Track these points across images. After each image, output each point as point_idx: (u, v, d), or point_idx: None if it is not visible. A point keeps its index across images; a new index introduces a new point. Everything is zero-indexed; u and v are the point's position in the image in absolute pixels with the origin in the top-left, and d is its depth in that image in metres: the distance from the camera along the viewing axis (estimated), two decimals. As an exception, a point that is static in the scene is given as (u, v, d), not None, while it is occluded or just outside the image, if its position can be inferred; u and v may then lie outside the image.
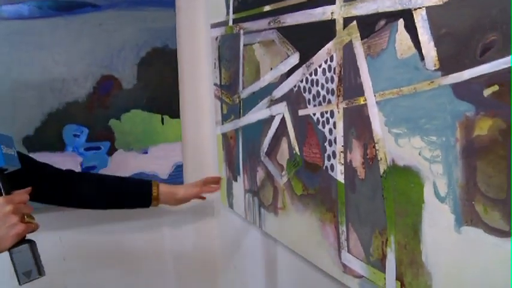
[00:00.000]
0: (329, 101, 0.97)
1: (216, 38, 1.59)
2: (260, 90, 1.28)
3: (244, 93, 1.40)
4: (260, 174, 1.33)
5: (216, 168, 1.71)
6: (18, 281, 0.94)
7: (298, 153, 1.11)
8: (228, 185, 1.61)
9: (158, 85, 1.80)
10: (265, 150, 1.28)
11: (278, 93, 1.19)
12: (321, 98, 1.00)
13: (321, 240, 1.04)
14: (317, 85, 1.01)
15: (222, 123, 1.61)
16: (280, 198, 1.23)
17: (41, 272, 0.95)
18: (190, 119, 1.85)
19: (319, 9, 0.97)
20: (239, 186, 1.50)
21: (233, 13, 1.43)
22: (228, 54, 1.50)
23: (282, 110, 1.17)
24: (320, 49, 0.99)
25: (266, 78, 1.24)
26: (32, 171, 1.20)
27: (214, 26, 1.60)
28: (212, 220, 1.87)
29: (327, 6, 0.95)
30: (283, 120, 1.17)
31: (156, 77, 1.80)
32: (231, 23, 1.45)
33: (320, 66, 0.99)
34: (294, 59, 1.09)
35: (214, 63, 1.62)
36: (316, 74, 1.01)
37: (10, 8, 1.61)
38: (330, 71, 0.96)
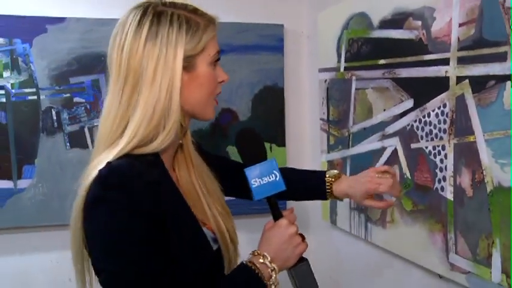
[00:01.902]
0: (441, 138, 1.28)
1: (325, 81, 1.92)
2: (372, 127, 1.60)
3: (354, 128, 1.71)
4: (369, 194, 1.63)
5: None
6: None
7: (409, 177, 1.41)
8: (332, 204, 1.91)
9: (268, 118, 2.16)
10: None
11: (390, 129, 1.50)
12: (433, 135, 1.31)
13: (429, 246, 1.33)
14: (430, 125, 1.32)
15: (328, 152, 1.93)
16: (388, 214, 1.52)
17: (317, 286, 1.02)
18: (293, 147, 2.19)
19: (434, 68, 1.29)
20: (345, 205, 1.80)
21: (345, 62, 1.76)
22: (337, 95, 1.83)
23: (394, 143, 1.48)
24: (433, 98, 1.29)
25: (379, 117, 1.56)
26: (232, 170, 1.23)
27: (323, 70, 1.94)
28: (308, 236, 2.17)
29: (441, 66, 1.26)
30: (395, 151, 1.48)
31: (266, 111, 2.16)
32: (342, 69, 1.79)
33: (433, 111, 1.30)
34: (409, 103, 1.40)
35: (322, 102, 1.95)
36: (429, 117, 1.32)
37: None
38: (442, 115, 1.27)
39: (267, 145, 2.16)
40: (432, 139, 1.31)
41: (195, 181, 1.09)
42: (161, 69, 0.92)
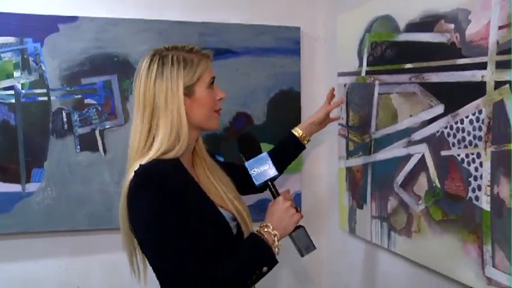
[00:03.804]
0: (475, 145, 1.22)
1: (345, 85, 1.87)
2: (396, 133, 1.55)
3: (377, 134, 1.66)
4: (392, 202, 1.58)
5: (335, 197, 1.97)
6: (301, 255, 1.32)
7: (439, 186, 1.36)
8: (350, 213, 1.86)
9: (283, 122, 2.09)
10: (400, 182, 1.53)
11: (417, 136, 1.44)
12: (466, 142, 1.25)
13: (462, 258, 1.27)
14: (463, 132, 1.26)
15: (347, 158, 1.87)
16: (415, 223, 1.47)
17: (314, 246, 1.32)
18: (309, 153, 2.13)
19: (468, 72, 1.23)
20: (365, 213, 1.75)
21: (367, 65, 1.71)
22: (358, 99, 1.78)
23: (421, 150, 1.42)
24: (467, 103, 1.24)
25: (404, 123, 1.50)
26: (239, 171, 1.45)
27: (342, 74, 1.89)
28: (325, 245, 2.12)
29: (477, 71, 1.21)
30: (422, 158, 1.42)
31: (282, 115, 2.10)
32: (363, 73, 1.73)
33: (467, 117, 1.25)
34: (439, 109, 1.35)
35: (341, 106, 1.90)
36: (462, 123, 1.27)
37: None
38: (477, 121, 1.21)
39: (281, 150, 2.10)
40: (465, 146, 1.26)
41: (210, 176, 1.40)
42: (170, 99, 1.25)
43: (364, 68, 1.73)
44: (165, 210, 1.16)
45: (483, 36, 1.19)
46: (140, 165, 1.21)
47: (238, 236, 1.32)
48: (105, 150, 1.88)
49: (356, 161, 1.81)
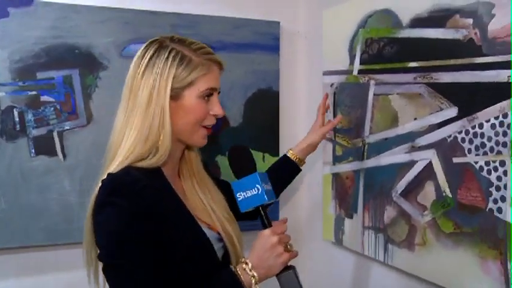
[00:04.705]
0: (498, 152, 1.12)
1: (331, 85, 1.74)
2: (396, 137, 1.43)
3: (372, 138, 1.54)
4: (390, 212, 1.46)
5: (317, 205, 1.84)
6: None
7: (450, 196, 1.25)
8: (337, 222, 1.72)
9: (261, 124, 1.95)
10: (400, 191, 1.41)
11: (423, 141, 1.33)
12: (486, 149, 1.14)
13: (480, 276, 1.16)
14: (481, 137, 1.15)
15: (334, 164, 1.74)
16: (419, 235, 1.35)
17: None
18: (288, 157, 1.98)
19: (490, 72, 1.13)
20: (355, 223, 1.62)
21: (360, 64, 1.58)
22: (349, 100, 1.65)
23: (428, 156, 1.31)
24: (488, 106, 1.13)
25: (406, 127, 1.39)
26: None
27: (329, 73, 1.75)
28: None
29: (501, 70, 1.10)
30: (429, 165, 1.31)
31: (259, 117, 1.94)
32: (355, 72, 1.61)
33: (487, 121, 1.14)
34: (451, 112, 1.24)
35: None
36: (481, 128, 1.16)
37: (136, 46, 1.71)
38: (501, 126, 1.11)
39: (259, 154, 1.95)
40: (485, 153, 1.15)
41: (198, 190, 1.22)
42: (155, 97, 1.07)
43: (357, 66, 1.60)
44: (131, 231, 0.99)
45: (509, 33, 1.08)
46: (108, 173, 1.05)
47: (225, 259, 1.16)
48: (64, 155, 1.64)
49: (345, 167, 1.68)
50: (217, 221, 1.18)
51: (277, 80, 1.96)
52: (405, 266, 1.42)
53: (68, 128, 1.65)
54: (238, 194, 1.09)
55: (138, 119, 1.08)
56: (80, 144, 1.66)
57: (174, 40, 1.13)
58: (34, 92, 1.61)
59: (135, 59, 1.13)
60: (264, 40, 1.93)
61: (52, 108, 1.63)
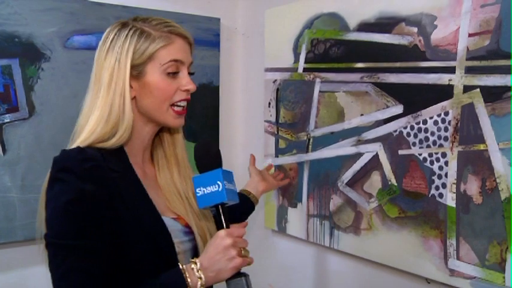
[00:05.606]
0: (440, 145, 1.28)
1: (274, 81, 1.83)
2: (343, 131, 1.56)
3: (317, 132, 1.66)
4: (336, 201, 1.59)
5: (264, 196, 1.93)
6: None
7: (395, 184, 1.40)
8: (280, 212, 1.83)
9: (202, 118, 1.99)
10: (346, 181, 1.55)
11: (369, 135, 1.47)
12: (430, 142, 1.31)
13: (422, 253, 1.33)
14: (425, 132, 1.32)
15: (277, 156, 1.84)
16: (364, 220, 1.50)
17: None
18: (228, 150, 2.05)
19: (433, 75, 1.29)
20: (299, 212, 1.74)
21: (305, 62, 1.69)
22: (292, 96, 1.75)
23: (375, 148, 1.46)
24: (431, 105, 1.30)
25: (353, 122, 1.52)
26: None
27: (271, 70, 1.84)
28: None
29: (443, 74, 1.27)
30: (375, 157, 1.46)
31: (200, 111, 1.98)
32: (300, 70, 1.71)
33: (431, 118, 1.30)
34: (397, 109, 1.39)
35: (269, 103, 1.85)
36: (424, 124, 1.32)
37: (81, 38, 1.70)
38: (443, 122, 1.27)
39: (200, 147, 1.98)
40: (429, 146, 1.32)
41: (177, 179, 1.17)
42: (116, 77, 1.04)
43: (302, 64, 1.71)
44: (75, 209, 0.95)
45: (451, 42, 1.25)
46: (62, 150, 1.01)
47: (195, 254, 1.10)
48: (4, 149, 1.56)
49: (289, 159, 1.79)
50: (191, 214, 1.12)
51: (217, 75, 2.01)
52: (351, 249, 1.56)
53: (8, 120, 1.56)
54: (198, 189, 1.03)
55: (101, 100, 1.04)
56: (22, 138, 1.58)
57: (137, 19, 1.09)
58: (-30, 83, 1.51)
59: (100, 42, 1.09)
60: (205, 36, 1.97)
61: (-10, 100, 1.54)
